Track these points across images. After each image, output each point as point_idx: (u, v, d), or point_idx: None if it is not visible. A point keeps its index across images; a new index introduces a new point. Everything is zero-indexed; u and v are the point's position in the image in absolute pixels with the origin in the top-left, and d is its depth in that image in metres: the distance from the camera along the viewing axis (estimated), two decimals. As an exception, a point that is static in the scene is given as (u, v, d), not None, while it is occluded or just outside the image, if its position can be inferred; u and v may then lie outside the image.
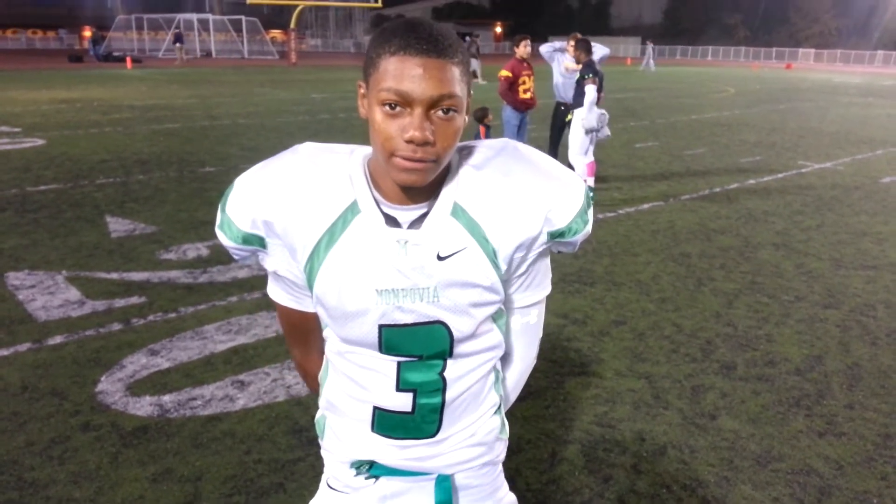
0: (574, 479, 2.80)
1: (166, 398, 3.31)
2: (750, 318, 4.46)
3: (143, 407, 3.23)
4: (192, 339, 3.94)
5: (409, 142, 1.00)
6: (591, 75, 7.23)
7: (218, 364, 3.66)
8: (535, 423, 3.16)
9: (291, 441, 2.99)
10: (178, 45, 36.56)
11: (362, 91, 1.09)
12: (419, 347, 1.16)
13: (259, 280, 4.85)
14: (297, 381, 3.48)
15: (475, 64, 27.45)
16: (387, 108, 1.01)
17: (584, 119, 7.36)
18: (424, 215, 1.11)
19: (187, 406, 3.25)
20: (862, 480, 2.85)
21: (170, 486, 2.69)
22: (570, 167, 7.57)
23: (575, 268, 5.29)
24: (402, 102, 1.01)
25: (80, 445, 2.93)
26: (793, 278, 5.23)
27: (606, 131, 7.53)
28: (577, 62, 7.56)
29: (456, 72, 1.03)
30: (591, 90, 7.23)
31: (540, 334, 1.34)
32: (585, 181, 7.28)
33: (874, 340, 4.17)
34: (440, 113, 1.02)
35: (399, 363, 1.17)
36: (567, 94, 8.29)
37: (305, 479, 2.73)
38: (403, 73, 1.00)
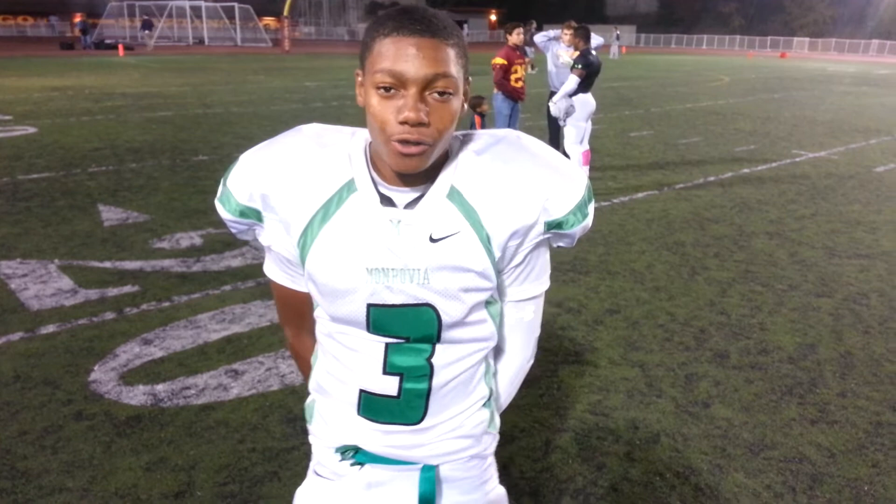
0: (567, 467, 2.81)
1: (160, 387, 3.30)
2: (743, 306, 4.47)
3: (137, 396, 3.22)
4: (185, 328, 3.93)
5: (404, 122, 1.01)
6: (579, 66, 7.22)
7: (211, 353, 3.65)
8: (529, 411, 3.17)
9: (285, 430, 2.99)
10: (146, 31, 36.41)
11: (359, 79, 1.10)
12: (406, 329, 1.15)
13: (253, 269, 4.84)
14: (291, 370, 3.48)
15: (530, 52, 26.92)
16: (382, 90, 1.02)
17: (552, 103, 7.49)
18: (421, 197, 1.11)
19: (181, 395, 3.24)
20: (853, 468, 2.86)
21: (163, 475, 2.68)
22: (566, 155, 7.56)
23: (569, 256, 5.29)
24: (396, 84, 1.01)
25: (73, 435, 2.92)
26: (786, 267, 5.24)
27: (564, 123, 7.60)
28: (576, 49, 7.52)
29: (451, 53, 1.03)
30: (572, 80, 7.23)
31: (537, 332, 1.32)
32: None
33: (867, 329, 4.18)
34: (435, 94, 1.02)
35: (387, 345, 1.17)
36: (561, 83, 8.25)
37: (299, 468, 2.73)
38: (398, 53, 1.00)
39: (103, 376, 3.39)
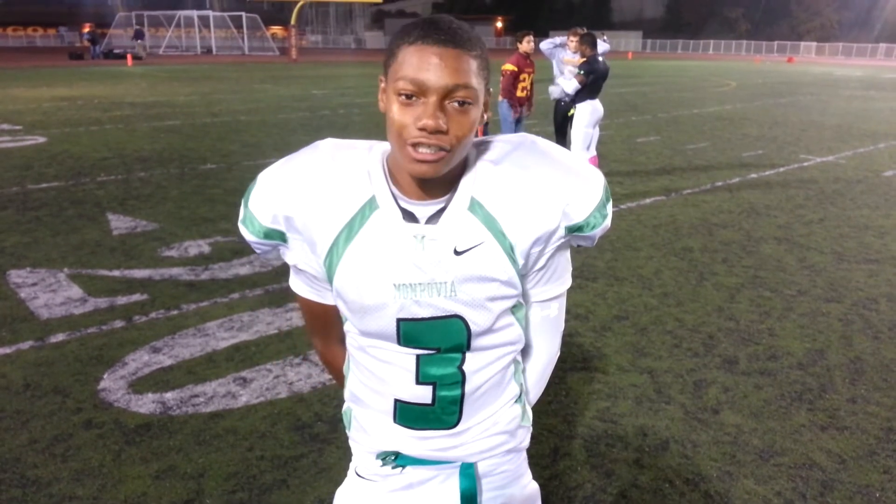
0: (576, 474, 2.80)
1: (169, 395, 3.31)
2: (752, 312, 4.45)
3: (146, 404, 3.23)
4: (194, 336, 3.94)
5: (422, 129, 1.02)
6: (581, 72, 7.29)
7: (220, 361, 3.66)
8: (538, 418, 3.16)
9: (294, 437, 2.99)
10: (138, 41, 36.90)
11: (382, 85, 1.11)
12: (437, 340, 1.17)
13: (261, 277, 4.85)
14: (299, 378, 3.48)
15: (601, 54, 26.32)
16: (403, 97, 1.04)
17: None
18: (442, 210, 1.12)
19: (189, 403, 3.25)
20: (864, 474, 2.84)
21: (172, 484, 2.69)
22: None
23: (577, 263, 5.28)
24: (417, 92, 1.02)
25: (82, 443, 2.93)
26: (795, 272, 5.22)
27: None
28: (582, 56, 7.53)
29: (473, 64, 1.05)
30: (572, 83, 7.40)
31: (562, 328, 1.35)
32: None
33: (876, 334, 4.16)
34: (455, 104, 1.04)
35: (418, 356, 1.18)
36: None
37: (308, 476, 2.73)
38: (421, 62, 1.02)
39: (112, 384, 3.40)
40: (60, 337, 3.90)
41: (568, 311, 4.51)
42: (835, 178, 8.73)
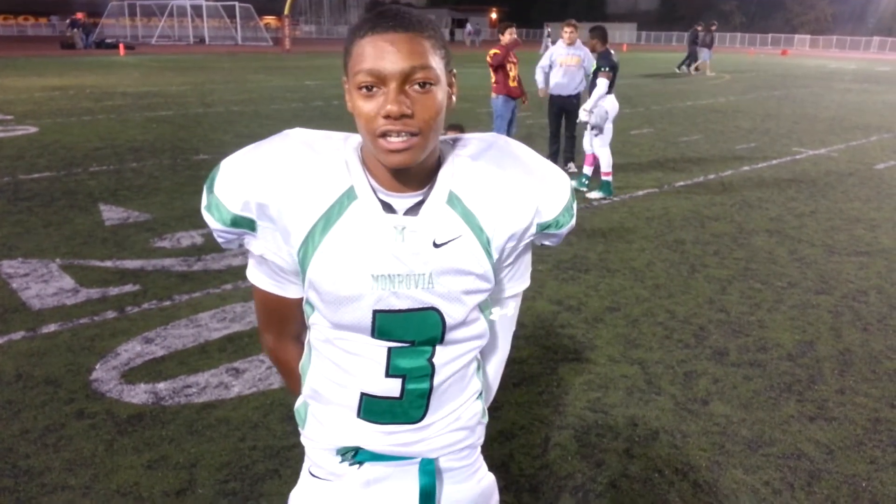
0: (567, 464, 2.82)
1: (161, 386, 3.32)
2: (743, 304, 4.48)
3: (138, 394, 3.24)
4: (186, 326, 3.94)
5: (387, 116, 1.02)
6: (606, 68, 6.86)
7: (212, 352, 3.66)
8: (529, 408, 3.18)
9: (286, 428, 3.00)
10: (75, 30, 36.78)
11: (346, 85, 1.11)
12: (412, 333, 1.17)
13: (253, 268, 4.84)
14: (291, 369, 3.48)
15: (707, 55, 24.56)
16: (364, 90, 1.04)
17: (584, 110, 7.07)
18: (420, 203, 1.13)
19: (182, 393, 3.26)
20: (851, 464, 2.88)
21: (165, 473, 2.70)
22: (572, 158, 7.46)
23: (569, 254, 5.30)
24: (376, 82, 1.03)
25: (74, 433, 2.94)
26: (786, 264, 5.25)
27: (599, 131, 7.10)
28: (593, 51, 7.17)
29: (427, 45, 1.05)
30: (602, 84, 6.85)
31: (514, 327, 1.37)
32: (609, 172, 7.02)
33: (865, 326, 4.19)
34: (416, 87, 1.04)
35: (389, 349, 1.18)
36: (568, 87, 8.08)
37: (300, 466, 2.72)
38: (375, 52, 1.03)
39: (105, 375, 3.40)
40: (52, 327, 3.89)
41: (560, 303, 4.55)
42: (827, 171, 8.76)
